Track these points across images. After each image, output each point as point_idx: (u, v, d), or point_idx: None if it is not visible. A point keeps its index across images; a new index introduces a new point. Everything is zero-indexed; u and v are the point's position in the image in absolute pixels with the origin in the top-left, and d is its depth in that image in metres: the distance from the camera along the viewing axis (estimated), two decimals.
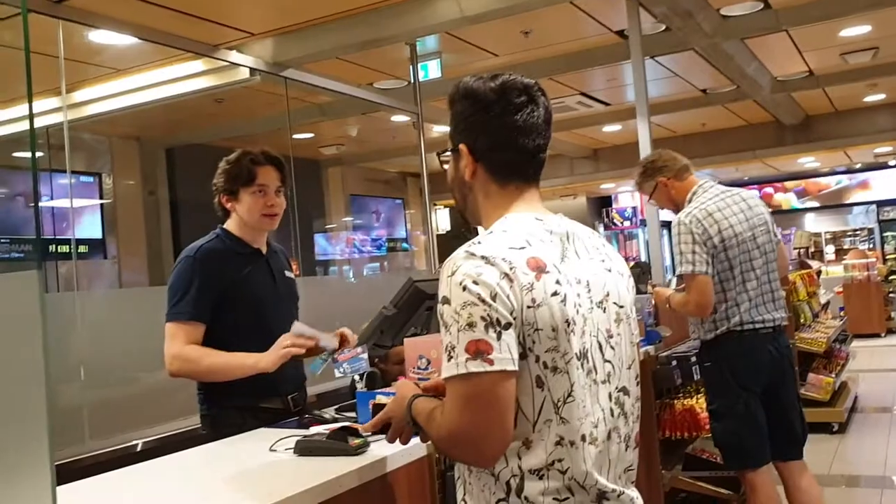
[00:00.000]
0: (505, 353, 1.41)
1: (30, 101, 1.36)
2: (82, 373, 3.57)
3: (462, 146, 1.64)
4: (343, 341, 2.70)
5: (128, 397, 3.96)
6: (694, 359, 3.84)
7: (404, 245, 14.75)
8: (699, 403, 3.79)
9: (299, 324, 2.67)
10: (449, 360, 1.44)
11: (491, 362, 1.40)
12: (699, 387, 3.89)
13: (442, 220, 14.32)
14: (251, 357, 2.63)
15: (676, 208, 3.67)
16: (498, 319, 1.42)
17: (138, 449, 3.60)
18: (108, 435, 3.65)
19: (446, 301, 1.46)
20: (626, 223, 18.98)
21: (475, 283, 1.43)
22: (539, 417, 1.47)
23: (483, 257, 1.46)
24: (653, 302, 4.04)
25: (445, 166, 1.73)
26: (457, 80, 1.67)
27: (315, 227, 12.28)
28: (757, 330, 3.47)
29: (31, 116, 1.35)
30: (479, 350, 1.41)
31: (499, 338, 1.41)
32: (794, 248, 12.44)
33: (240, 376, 2.64)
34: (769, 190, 18.61)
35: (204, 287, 2.68)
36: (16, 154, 8.06)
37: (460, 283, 1.45)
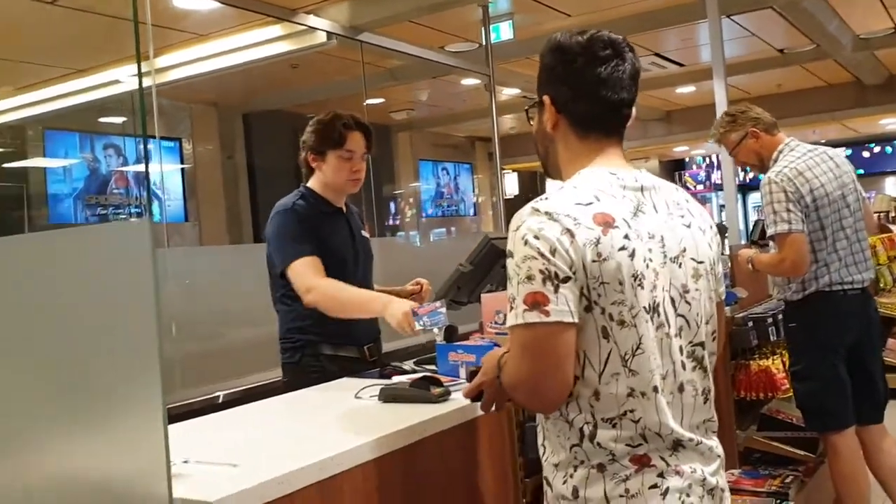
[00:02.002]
0: (562, 306, 1.46)
1: (138, 63, 1.44)
2: (174, 328, 3.72)
3: (545, 97, 1.68)
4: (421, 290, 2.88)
5: (213, 350, 4.12)
6: (770, 320, 3.81)
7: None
8: (775, 364, 3.76)
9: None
10: (511, 310, 1.50)
11: (547, 313, 1.46)
12: (775, 348, 3.86)
13: (510, 184, 14.29)
14: (379, 304, 2.64)
15: (761, 164, 3.60)
16: (556, 273, 1.46)
17: (220, 401, 3.75)
18: (195, 386, 3.81)
19: (511, 255, 1.53)
20: (700, 187, 18.64)
21: (536, 237, 1.49)
22: (605, 369, 1.51)
23: (546, 213, 1.51)
24: (729, 264, 4.01)
25: (532, 122, 1.77)
26: (549, 36, 1.70)
27: (385, 192, 12.41)
28: (846, 291, 3.40)
29: (139, 76, 1.44)
30: (535, 301, 1.46)
31: (556, 290, 1.46)
32: (875, 213, 12.04)
33: (365, 316, 2.77)
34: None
35: (306, 234, 2.80)
36: (102, 119, 8.35)
37: (522, 238, 1.50)
